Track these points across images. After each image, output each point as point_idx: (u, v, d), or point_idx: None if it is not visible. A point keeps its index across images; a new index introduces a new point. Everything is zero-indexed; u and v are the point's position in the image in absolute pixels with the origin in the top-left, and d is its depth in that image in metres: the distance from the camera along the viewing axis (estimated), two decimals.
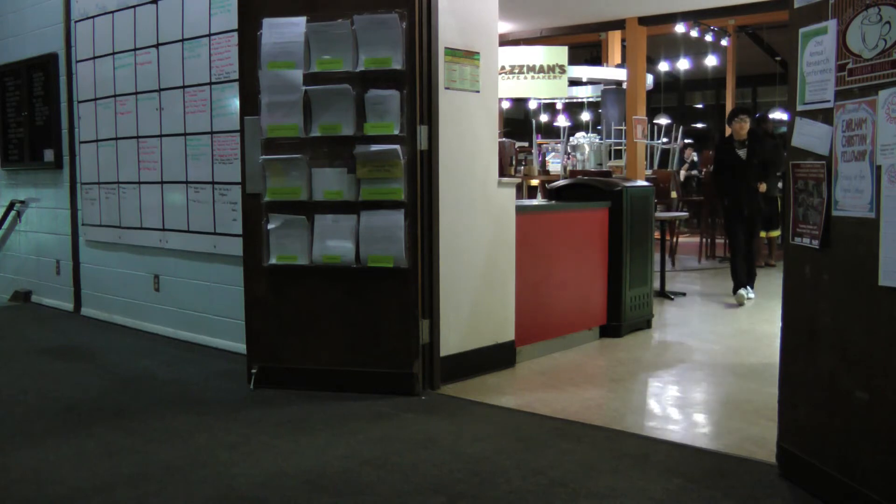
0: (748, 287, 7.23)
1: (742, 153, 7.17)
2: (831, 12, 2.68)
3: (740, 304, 7.02)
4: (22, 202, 7.43)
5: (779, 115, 15.59)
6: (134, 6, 5.75)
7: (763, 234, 9.73)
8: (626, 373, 4.76)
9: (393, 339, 4.17)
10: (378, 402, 4.05)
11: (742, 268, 7.18)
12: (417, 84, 4.09)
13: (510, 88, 13.56)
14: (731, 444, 3.48)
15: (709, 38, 14.52)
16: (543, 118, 19.01)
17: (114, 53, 5.98)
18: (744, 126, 7.20)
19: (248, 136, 4.29)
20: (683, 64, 16.31)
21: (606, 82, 15.18)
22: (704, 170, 12.58)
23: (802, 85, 2.84)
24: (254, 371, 4.34)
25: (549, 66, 13.56)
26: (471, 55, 4.44)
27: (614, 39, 15.17)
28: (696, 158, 15.38)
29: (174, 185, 5.56)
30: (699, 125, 24.43)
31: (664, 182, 10.95)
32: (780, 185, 9.24)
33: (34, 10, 6.96)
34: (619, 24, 13.46)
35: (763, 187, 7.09)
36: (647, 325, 5.95)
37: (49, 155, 6.88)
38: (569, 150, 14.92)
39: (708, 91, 23.22)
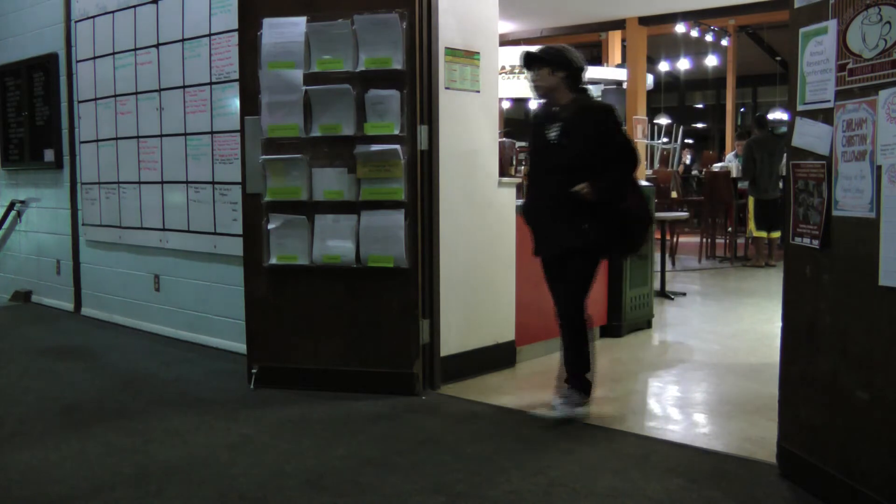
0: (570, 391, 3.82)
1: (553, 132, 3.70)
2: (831, 12, 2.68)
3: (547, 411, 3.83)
4: (22, 202, 7.43)
5: (779, 114, 15.60)
6: (134, 6, 5.75)
7: (764, 234, 9.65)
8: (626, 373, 4.75)
9: (393, 338, 4.17)
10: (378, 401, 4.05)
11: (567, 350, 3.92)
12: (417, 84, 4.08)
13: (510, 88, 13.53)
14: (731, 444, 3.48)
15: (709, 38, 14.52)
16: None
17: (114, 53, 5.98)
18: (541, 83, 3.72)
19: (248, 136, 4.29)
20: (683, 64, 16.31)
21: (606, 82, 15.14)
22: (705, 169, 12.58)
23: (802, 85, 2.84)
24: (254, 371, 4.34)
25: None
26: (471, 55, 4.44)
27: (614, 39, 15.16)
28: (688, 161, 15.49)
29: (174, 185, 5.56)
30: (699, 125, 24.43)
31: (664, 182, 10.94)
32: (780, 185, 9.21)
33: (34, 10, 6.96)
34: (619, 24, 13.46)
35: (586, 190, 3.55)
36: (647, 325, 5.95)
37: (49, 155, 6.88)
38: None
39: (708, 91, 23.18)
